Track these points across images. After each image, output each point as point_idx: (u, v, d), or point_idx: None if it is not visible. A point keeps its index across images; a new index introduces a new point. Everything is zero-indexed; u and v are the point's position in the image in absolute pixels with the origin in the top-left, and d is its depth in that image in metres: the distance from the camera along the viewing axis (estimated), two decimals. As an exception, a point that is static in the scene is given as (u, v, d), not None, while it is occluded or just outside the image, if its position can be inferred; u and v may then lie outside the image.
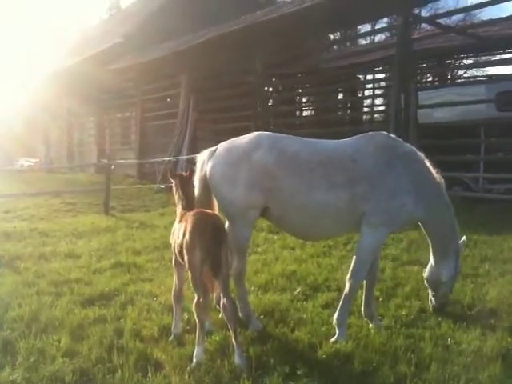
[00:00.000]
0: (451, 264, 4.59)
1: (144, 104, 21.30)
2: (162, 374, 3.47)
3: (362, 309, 4.55)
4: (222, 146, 4.51)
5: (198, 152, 4.70)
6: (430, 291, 4.81)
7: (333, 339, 4.06)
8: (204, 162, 4.50)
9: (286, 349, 3.88)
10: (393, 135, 4.67)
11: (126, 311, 4.70)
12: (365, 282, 4.56)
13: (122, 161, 17.95)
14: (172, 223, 4.33)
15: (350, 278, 4.29)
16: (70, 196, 14.58)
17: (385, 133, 4.70)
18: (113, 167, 12.83)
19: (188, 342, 3.97)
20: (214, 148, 4.53)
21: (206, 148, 4.64)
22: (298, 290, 5.34)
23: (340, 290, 5.35)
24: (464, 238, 4.80)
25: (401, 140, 4.65)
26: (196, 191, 4.47)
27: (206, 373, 3.46)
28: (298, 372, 3.49)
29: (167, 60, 18.15)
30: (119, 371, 3.49)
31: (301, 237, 5.36)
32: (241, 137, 4.55)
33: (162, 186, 15.62)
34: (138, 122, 21.38)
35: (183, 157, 15.50)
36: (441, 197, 4.50)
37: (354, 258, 4.32)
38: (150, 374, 3.46)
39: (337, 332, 4.14)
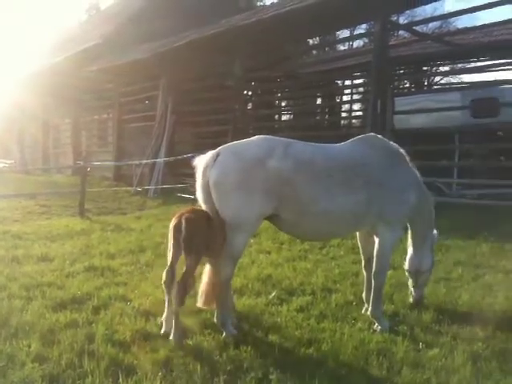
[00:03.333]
0: (430, 254, 4.91)
1: (122, 106, 21.07)
2: (134, 379, 3.41)
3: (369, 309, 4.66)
4: (227, 151, 4.23)
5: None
6: (410, 283, 5.00)
7: (377, 331, 4.33)
8: (208, 167, 4.17)
9: (260, 353, 3.86)
10: (379, 135, 4.81)
11: (99, 316, 4.63)
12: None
13: (99, 163, 17.69)
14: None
15: (376, 275, 4.50)
16: (44, 198, 14.33)
17: (373, 134, 4.88)
18: (88, 169, 12.66)
19: (160, 346, 3.93)
20: (214, 152, 4.23)
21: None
22: (273, 294, 5.34)
23: (315, 293, 5.40)
24: (435, 230, 5.04)
25: (386, 139, 4.83)
26: (199, 199, 4.32)
27: (178, 378, 3.44)
28: (271, 376, 3.49)
29: (146, 62, 18.00)
30: (90, 377, 3.43)
31: (311, 239, 5.67)
32: (244, 141, 4.37)
33: (139, 189, 15.50)
34: (116, 124, 21.16)
35: (160, 159, 15.37)
36: (422, 187, 4.73)
37: (377, 255, 4.48)
38: (121, 380, 3.41)
39: (377, 325, 4.40)
